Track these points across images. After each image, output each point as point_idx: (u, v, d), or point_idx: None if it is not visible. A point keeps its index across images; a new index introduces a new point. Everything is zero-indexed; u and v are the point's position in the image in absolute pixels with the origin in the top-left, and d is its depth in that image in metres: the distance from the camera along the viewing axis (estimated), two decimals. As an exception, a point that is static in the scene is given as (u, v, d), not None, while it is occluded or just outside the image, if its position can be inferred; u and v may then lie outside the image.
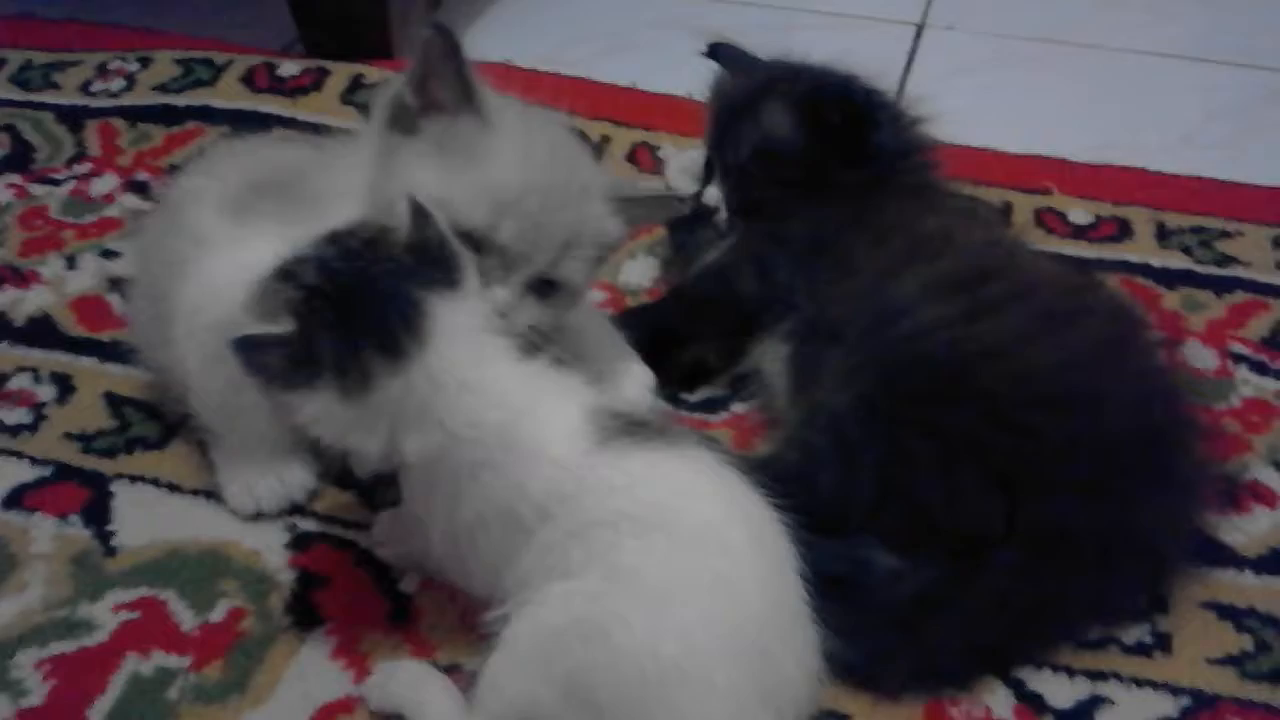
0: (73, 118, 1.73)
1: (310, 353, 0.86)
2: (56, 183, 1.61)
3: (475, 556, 0.94)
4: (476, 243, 1.00)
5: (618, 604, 0.86)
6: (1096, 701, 1.02)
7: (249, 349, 0.86)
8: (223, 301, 1.02)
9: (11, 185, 1.61)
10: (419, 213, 0.90)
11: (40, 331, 1.38)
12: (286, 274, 0.88)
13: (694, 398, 1.30)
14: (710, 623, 0.86)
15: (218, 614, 1.07)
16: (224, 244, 1.08)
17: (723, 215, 1.35)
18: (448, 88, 1.02)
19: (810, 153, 1.30)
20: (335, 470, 1.18)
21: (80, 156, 1.66)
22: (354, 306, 0.87)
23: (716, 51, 1.43)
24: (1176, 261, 1.48)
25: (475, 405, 0.89)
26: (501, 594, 0.94)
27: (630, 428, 0.92)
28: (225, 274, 1.04)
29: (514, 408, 0.91)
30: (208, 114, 1.72)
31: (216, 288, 1.05)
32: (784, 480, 0.99)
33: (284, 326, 0.86)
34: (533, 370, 0.94)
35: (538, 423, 0.91)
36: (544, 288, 1.07)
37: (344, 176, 1.08)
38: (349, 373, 0.86)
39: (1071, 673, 1.03)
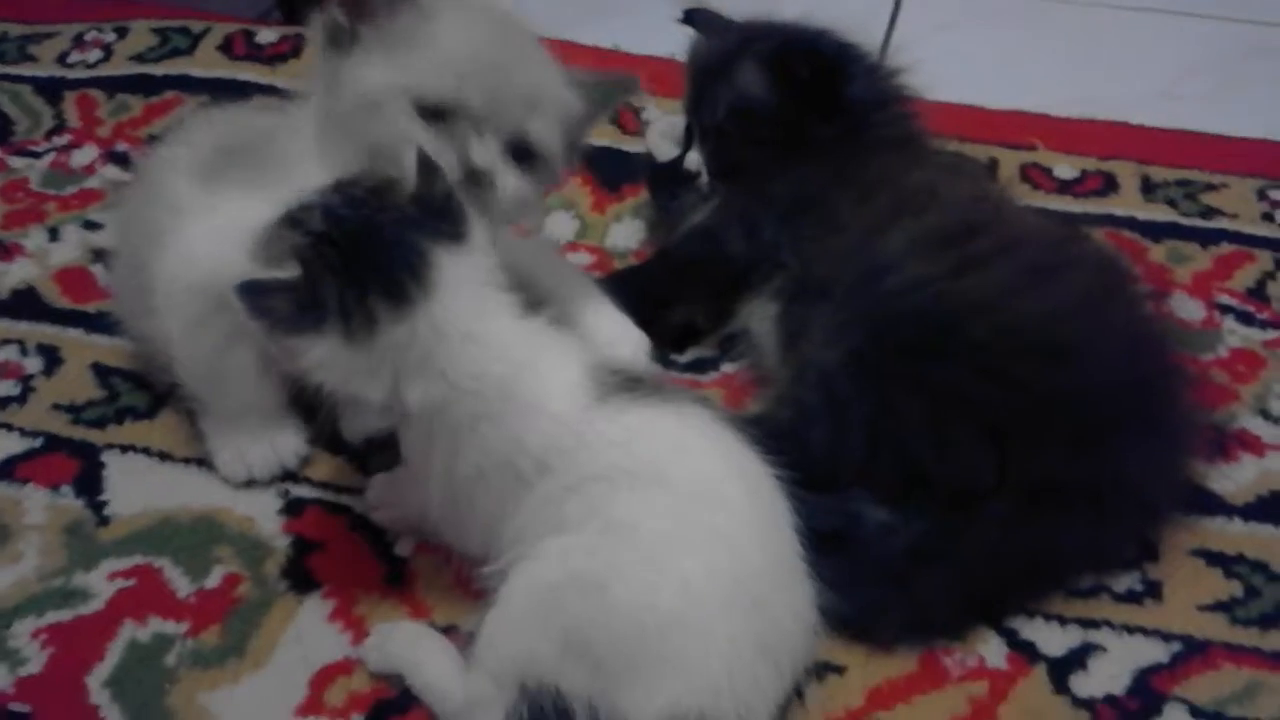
0: (51, 89, 1.72)
1: (315, 297, 0.86)
2: (36, 155, 1.60)
3: (473, 512, 0.94)
4: (443, 114, 1.00)
5: (615, 557, 0.87)
6: (1088, 649, 1.03)
7: (254, 294, 0.86)
8: (199, 267, 1.04)
9: (-9, 158, 1.60)
10: (426, 165, 0.91)
11: (25, 303, 1.37)
12: (292, 220, 0.88)
13: (684, 358, 1.30)
14: (707, 576, 0.86)
15: (213, 580, 1.08)
16: (197, 211, 1.08)
17: (705, 179, 1.35)
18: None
19: (784, 109, 1.30)
20: (326, 436, 1.18)
21: (59, 128, 1.65)
22: (360, 253, 0.87)
23: (693, 17, 1.43)
24: (1162, 214, 1.48)
25: (478, 357, 0.90)
26: (497, 550, 0.94)
27: (628, 384, 0.93)
28: (200, 240, 1.05)
29: (515, 361, 0.91)
30: (186, 83, 1.70)
31: (193, 253, 1.05)
32: (776, 437, 1.00)
33: (289, 272, 0.86)
34: (534, 326, 0.94)
35: (538, 377, 0.92)
36: (521, 155, 1.06)
37: (306, 138, 1.07)
38: (354, 318, 0.86)
39: (1063, 621, 1.05)
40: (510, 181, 1.05)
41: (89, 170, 1.57)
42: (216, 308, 1.04)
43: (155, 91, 1.69)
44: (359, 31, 1.02)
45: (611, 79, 1.17)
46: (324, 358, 0.87)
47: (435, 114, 1.01)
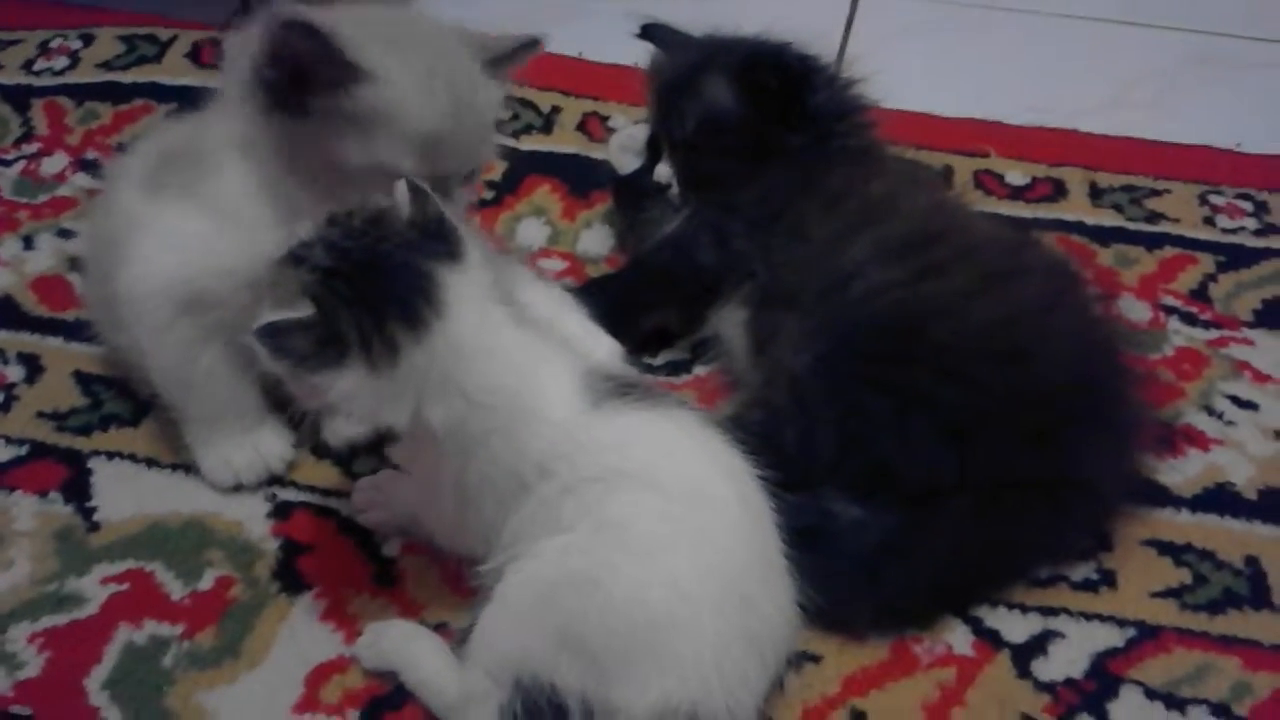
0: (17, 97, 1.72)
1: (334, 332, 0.88)
2: (6, 163, 1.60)
3: (478, 517, 0.97)
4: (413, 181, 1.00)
5: (608, 555, 0.91)
6: (1049, 635, 1.08)
7: (273, 335, 0.87)
8: (156, 275, 1.07)
9: (-39, 168, 1.60)
10: (416, 191, 0.93)
11: (3, 312, 1.38)
12: (295, 259, 0.90)
13: (657, 361, 1.34)
14: (697, 573, 0.90)
15: (205, 583, 1.11)
16: (146, 221, 1.10)
17: (674, 190, 1.39)
18: (329, 71, 0.99)
19: (751, 120, 1.34)
20: (310, 441, 1.21)
21: (28, 136, 1.65)
22: (370, 282, 0.89)
23: (650, 32, 1.47)
24: (1109, 219, 1.54)
25: (491, 371, 0.93)
26: (492, 550, 0.98)
27: (620, 389, 0.96)
28: (151, 248, 1.08)
29: (521, 372, 0.94)
30: (156, 91, 1.71)
31: (147, 262, 1.08)
32: (749, 438, 1.04)
33: (302, 310, 0.88)
34: (530, 337, 0.97)
35: (538, 386, 0.95)
36: (470, 175, 1.12)
37: (213, 134, 1.10)
38: (375, 347, 0.88)
39: (1024, 609, 1.10)
40: (462, 202, 1.10)
41: (60, 178, 1.58)
42: (178, 312, 1.07)
43: (124, 99, 1.70)
44: (308, 103, 1.00)
45: (516, 44, 1.16)
46: (349, 390, 0.89)
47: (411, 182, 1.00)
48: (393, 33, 1.05)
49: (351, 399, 0.90)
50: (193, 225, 1.07)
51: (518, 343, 0.95)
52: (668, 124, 1.40)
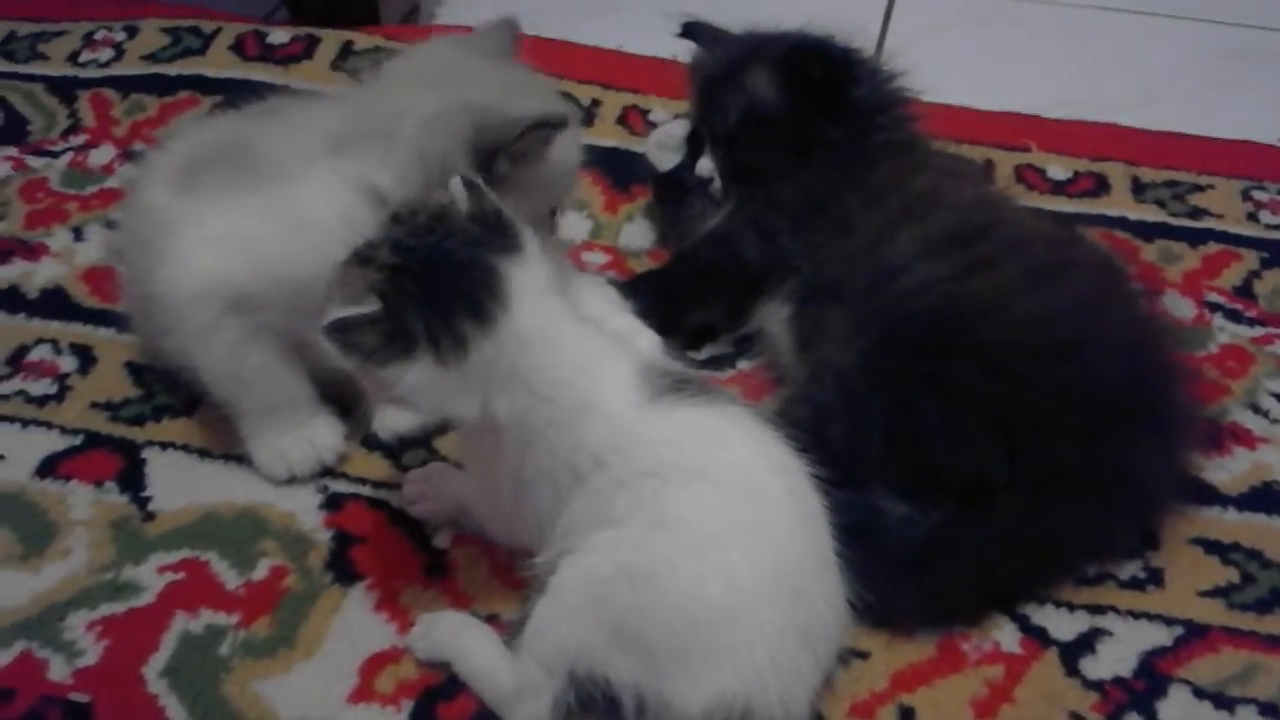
0: (64, 89, 1.73)
1: (403, 326, 0.89)
2: (54, 155, 1.62)
3: (533, 508, 0.98)
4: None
5: (665, 549, 0.92)
6: (1097, 633, 1.09)
7: (343, 331, 0.89)
8: (201, 277, 1.07)
9: (9, 158, 1.61)
10: (472, 187, 0.94)
11: (54, 303, 1.40)
12: (362, 259, 0.92)
13: (700, 356, 1.35)
14: (753, 568, 0.91)
15: (260, 573, 1.12)
16: (181, 221, 1.10)
17: (717, 185, 1.40)
18: (523, 160, 1.11)
19: (794, 112, 1.35)
20: (361, 433, 1.22)
21: (75, 128, 1.66)
22: (436, 278, 0.91)
23: (691, 30, 1.47)
24: (1152, 215, 1.54)
25: (554, 363, 0.94)
26: (545, 542, 0.99)
27: (677, 385, 0.97)
28: (195, 249, 1.08)
29: (581, 366, 0.95)
30: (200, 83, 1.72)
31: (191, 263, 1.08)
32: (796, 434, 1.04)
33: (370, 307, 0.89)
34: (588, 330, 0.98)
35: (597, 380, 0.96)
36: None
37: (288, 139, 1.11)
38: (443, 340, 0.90)
39: (1072, 607, 1.11)
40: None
41: (108, 170, 1.59)
42: (224, 313, 1.08)
43: (169, 91, 1.71)
44: (509, 178, 1.09)
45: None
46: (418, 383, 0.90)
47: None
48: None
49: (420, 392, 0.91)
50: (248, 228, 1.08)
51: (578, 335, 0.96)
52: (710, 118, 1.40)
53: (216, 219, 1.08)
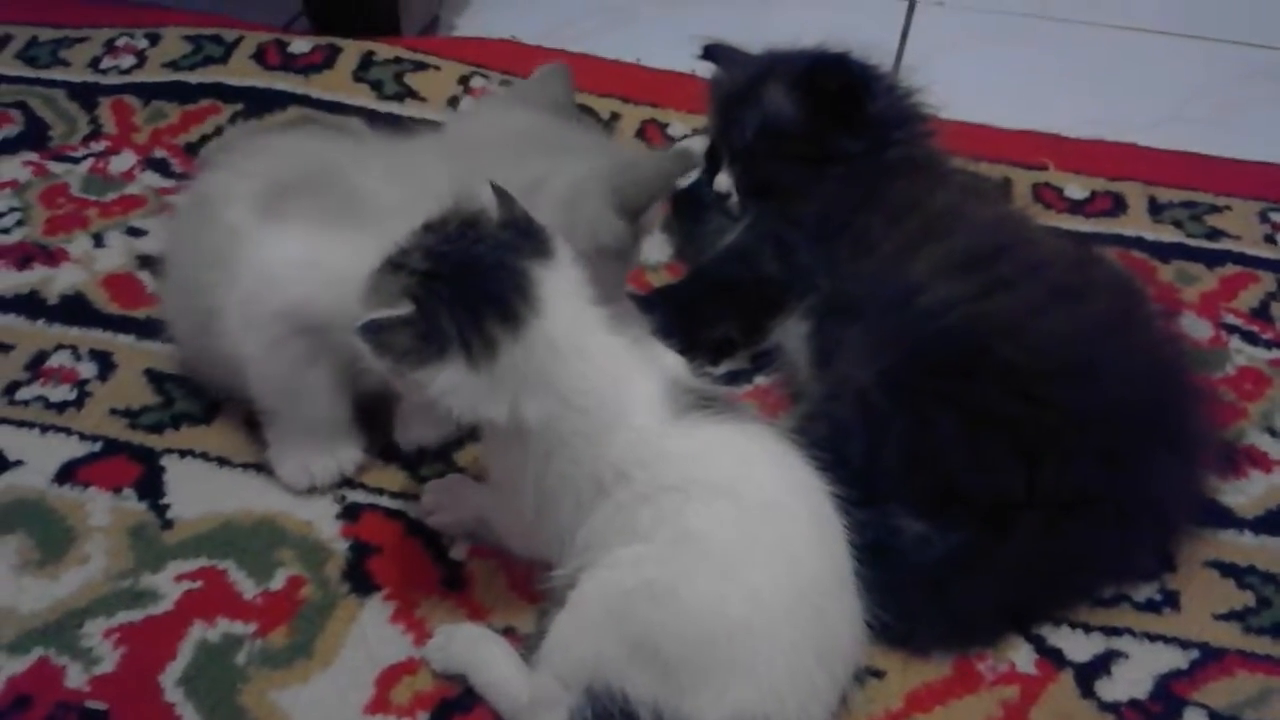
0: (85, 95, 1.74)
1: (435, 329, 0.90)
2: (75, 161, 1.63)
3: (554, 520, 0.98)
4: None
5: (687, 566, 0.92)
6: (1112, 655, 1.09)
7: (375, 332, 0.90)
8: (284, 294, 1.08)
9: (29, 163, 1.62)
10: (502, 195, 0.95)
11: (74, 309, 1.41)
12: (394, 265, 0.93)
13: (717, 371, 1.35)
14: (774, 586, 0.92)
15: (277, 582, 1.12)
16: (263, 242, 1.11)
17: (734, 200, 1.41)
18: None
19: (811, 126, 1.36)
20: (380, 444, 1.22)
21: (96, 134, 1.67)
22: (468, 282, 0.92)
23: (712, 52, 1.49)
24: (1169, 235, 1.54)
25: (587, 372, 0.94)
26: (565, 555, 0.99)
27: (701, 401, 0.97)
28: (281, 269, 1.09)
29: (614, 377, 0.96)
30: (222, 91, 1.73)
31: (275, 281, 1.09)
32: (814, 452, 1.04)
33: (403, 309, 0.90)
34: (623, 342, 0.98)
35: (625, 392, 0.96)
36: None
37: (393, 185, 1.11)
38: (474, 343, 0.90)
39: (1088, 629, 1.11)
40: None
41: (128, 176, 1.60)
42: (296, 331, 1.09)
43: (191, 99, 1.72)
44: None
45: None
46: (449, 385, 0.91)
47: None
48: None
49: (451, 394, 0.91)
50: (338, 263, 1.06)
51: (609, 346, 0.97)
52: (728, 134, 1.41)
53: (305, 247, 1.09)
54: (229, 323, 1.12)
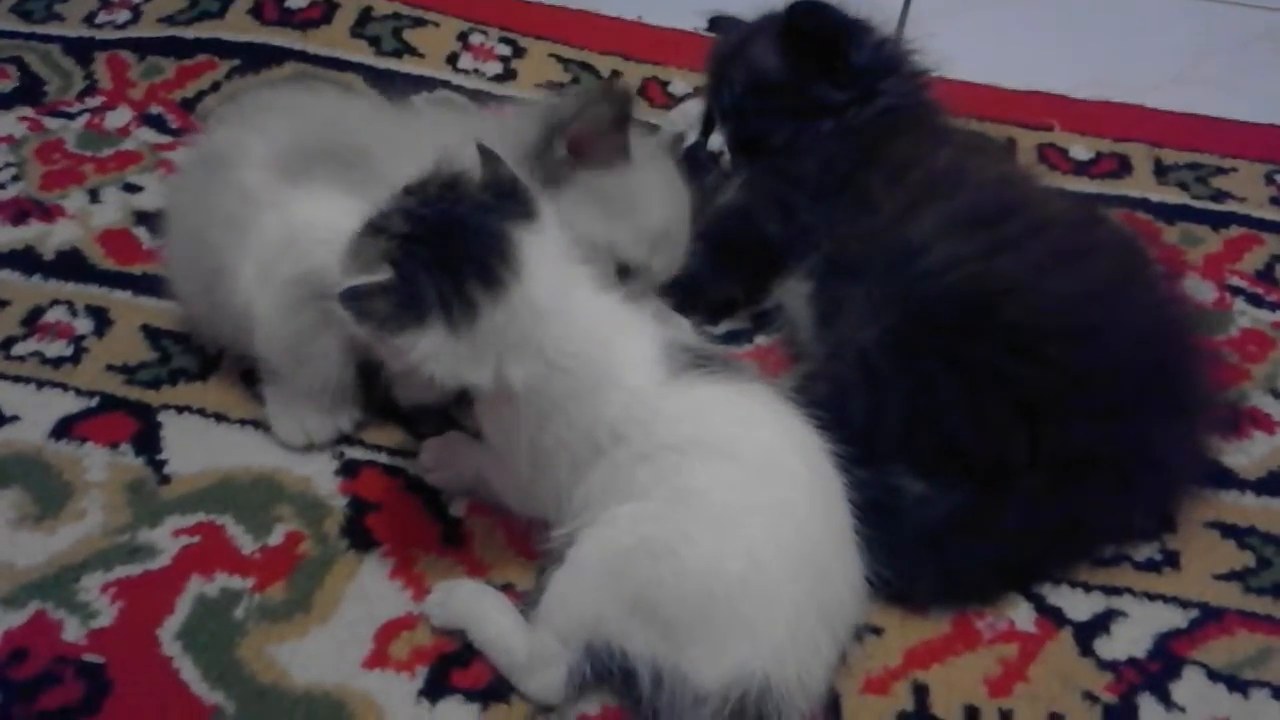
0: (80, 50, 1.72)
1: (415, 294, 0.89)
2: (70, 116, 1.61)
3: (551, 480, 0.98)
4: (630, 271, 1.14)
5: (686, 524, 0.91)
6: (1112, 614, 1.09)
7: (356, 299, 0.89)
8: (304, 259, 1.07)
9: (24, 119, 1.60)
10: (487, 155, 0.94)
11: (70, 265, 1.39)
12: (374, 228, 0.92)
13: (718, 330, 1.34)
14: (773, 544, 0.91)
15: (275, 538, 1.12)
16: (283, 204, 1.10)
17: (727, 158, 1.40)
18: (612, 147, 1.12)
19: (795, 77, 1.35)
20: (379, 401, 1.22)
21: (91, 89, 1.65)
22: (447, 245, 0.91)
23: (715, 23, 1.49)
24: (1174, 197, 1.53)
25: (571, 334, 0.93)
26: (564, 514, 0.98)
27: (699, 360, 0.97)
28: (300, 230, 1.08)
29: (601, 338, 0.95)
30: (218, 47, 1.71)
31: (294, 243, 1.08)
32: (815, 411, 1.04)
33: (384, 275, 0.89)
34: (611, 302, 0.98)
35: (616, 352, 0.96)
36: None
37: (414, 159, 1.08)
38: (454, 307, 0.89)
39: (1087, 588, 1.10)
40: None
41: (124, 132, 1.58)
42: (311, 297, 1.08)
43: (187, 54, 1.70)
44: (574, 175, 1.13)
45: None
46: (431, 350, 0.90)
47: (623, 269, 1.17)
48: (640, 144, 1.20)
49: (434, 359, 0.90)
50: (353, 221, 1.06)
51: (596, 307, 0.96)
52: (719, 93, 1.41)
53: (328, 214, 1.06)
54: (240, 282, 1.11)
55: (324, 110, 1.19)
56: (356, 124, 1.15)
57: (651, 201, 1.17)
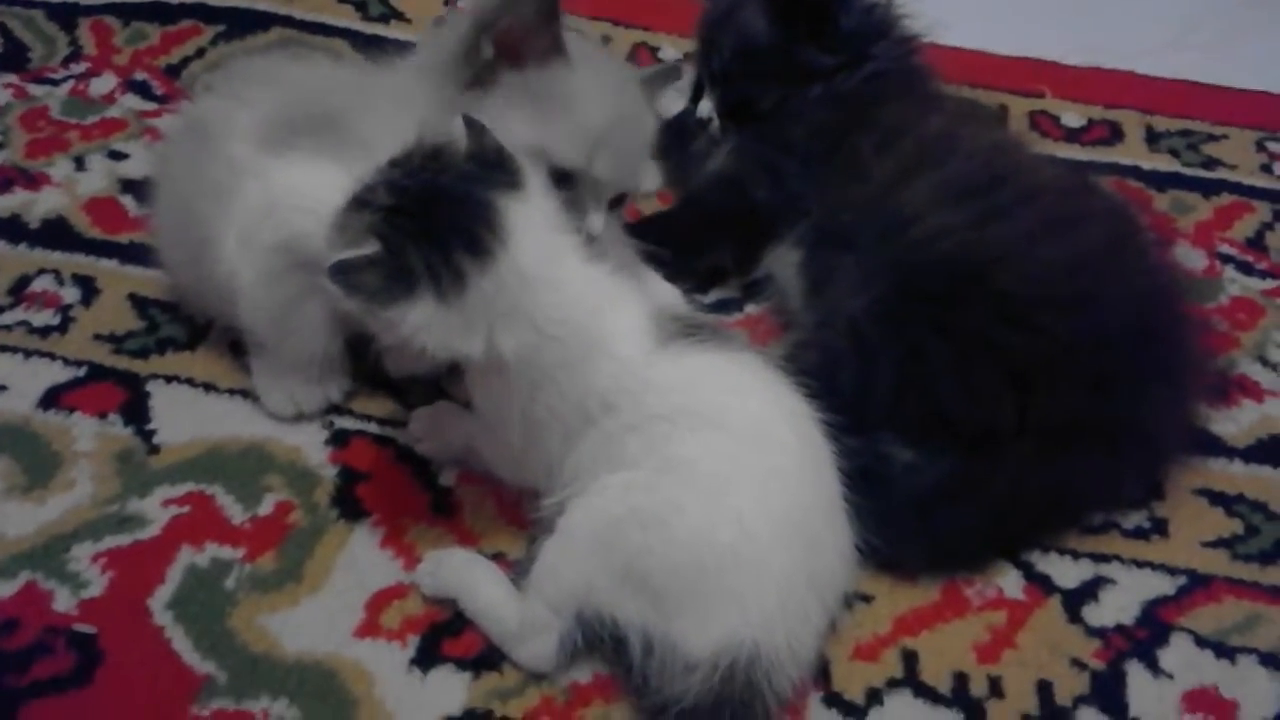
0: (64, 15, 1.70)
1: (403, 266, 0.89)
2: (55, 83, 1.59)
3: (542, 449, 0.98)
4: (571, 178, 1.06)
5: (676, 493, 0.92)
6: (1100, 581, 1.09)
7: (345, 273, 0.88)
8: (285, 227, 1.06)
9: (9, 85, 1.59)
10: (473, 125, 0.93)
11: (56, 233, 1.38)
12: (359, 202, 0.91)
13: (708, 299, 1.34)
14: (763, 512, 0.91)
15: (265, 508, 1.12)
16: (266, 174, 1.09)
17: (716, 125, 1.40)
18: (542, 44, 1.06)
19: (782, 40, 1.34)
20: (368, 370, 1.21)
21: (76, 55, 1.64)
22: (433, 216, 0.90)
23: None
24: (1165, 164, 1.53)
25: (560, 302, 0.93)
26: (554, 484, 0.98)
27: (688, 330, 0.97)
28: (279, 198, 1.07)
29: (590, 307, 0.95)
30: (203, 12, 1.70)
31: (276, 214, 1.07)
32: (805, 379, 1.04)
33: (371, 248, 0.89)
34: (599, 273, 0.97)
35: (605, 321, 0.95)
36: (617, 201, 1.14)
37: (393, 119, 1.07)
38: (443, 277, 0.89)
39: (1076, 555, 1.11)
40: (600, 224, 1.12)
41: (109, 99, 1.57)
42: (293, 266, 1.07)
43: (172, 20, 1.68)
44: (503, 76, 1.07)
45: (665, 70, 1.24)
46: (421, 321, 0.89)
47: (561, 176, 1.06)
48: (581, 42, 1.14)
49: (424, 331, 0.90)
50: (335, 192, 1.02)
51: (585, 276, 0.96)
52: (708, 59, 1.40)
53: (308, 181, 1.06)
54: (225, 252, 1.10)
55: (307, 79, 1.18)
56: (338, 91, 1.13)
57: (589, 101, 1.09)
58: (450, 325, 0.90)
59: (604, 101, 1.10)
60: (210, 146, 1.13)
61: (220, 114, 1.14)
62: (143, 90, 1.58)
